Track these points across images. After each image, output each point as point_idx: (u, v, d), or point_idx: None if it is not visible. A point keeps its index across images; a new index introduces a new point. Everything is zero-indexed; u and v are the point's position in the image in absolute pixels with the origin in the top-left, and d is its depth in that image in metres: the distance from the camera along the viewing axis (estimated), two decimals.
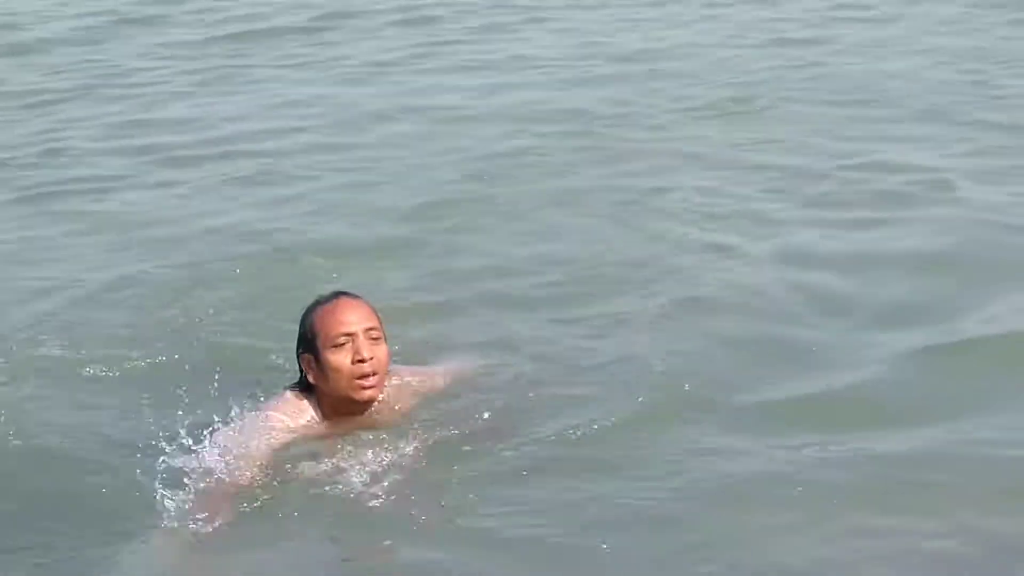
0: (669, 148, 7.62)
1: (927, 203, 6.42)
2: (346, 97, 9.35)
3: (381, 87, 9.59)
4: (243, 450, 4.09)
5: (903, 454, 4.10)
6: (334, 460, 4.10)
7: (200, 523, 3.82)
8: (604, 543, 3.69)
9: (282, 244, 6.33)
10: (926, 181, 6.72)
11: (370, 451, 4.11)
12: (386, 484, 3.98)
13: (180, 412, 4.32)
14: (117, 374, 4.87)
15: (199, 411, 4.34)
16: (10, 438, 4.34)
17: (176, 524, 3.82)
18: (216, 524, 3.82)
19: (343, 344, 4.16)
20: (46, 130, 8.89)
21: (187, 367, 4.81)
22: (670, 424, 4.34)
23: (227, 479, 3.99)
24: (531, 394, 4.53)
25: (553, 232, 6.34)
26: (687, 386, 4.53)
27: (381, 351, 4.21)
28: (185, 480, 3.96)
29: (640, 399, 4.45)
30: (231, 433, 4.15)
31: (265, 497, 3.96)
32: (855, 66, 9.31)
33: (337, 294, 4.34)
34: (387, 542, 3.85)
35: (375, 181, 7.35)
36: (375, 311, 4.31)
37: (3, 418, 4.45)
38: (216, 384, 4.48)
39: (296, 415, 4.24)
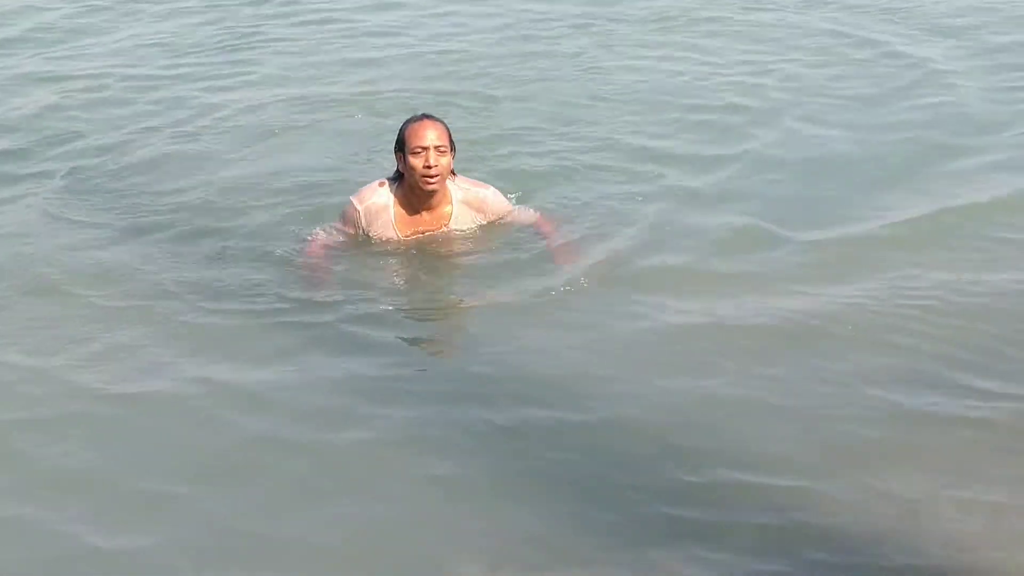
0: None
1: None
2: None
3: None
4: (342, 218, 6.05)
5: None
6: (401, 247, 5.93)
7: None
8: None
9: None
10: None
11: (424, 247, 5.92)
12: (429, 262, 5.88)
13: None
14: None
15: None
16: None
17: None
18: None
19: (419, 153, 5.74)
20: None
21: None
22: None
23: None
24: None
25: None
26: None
27: (444, 161, 5.75)
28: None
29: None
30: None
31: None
32: None
33: (423, 116, 5.85)
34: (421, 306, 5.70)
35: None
36: (448, 130, 5.77)
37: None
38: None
39: (374, 195, 5.93)
